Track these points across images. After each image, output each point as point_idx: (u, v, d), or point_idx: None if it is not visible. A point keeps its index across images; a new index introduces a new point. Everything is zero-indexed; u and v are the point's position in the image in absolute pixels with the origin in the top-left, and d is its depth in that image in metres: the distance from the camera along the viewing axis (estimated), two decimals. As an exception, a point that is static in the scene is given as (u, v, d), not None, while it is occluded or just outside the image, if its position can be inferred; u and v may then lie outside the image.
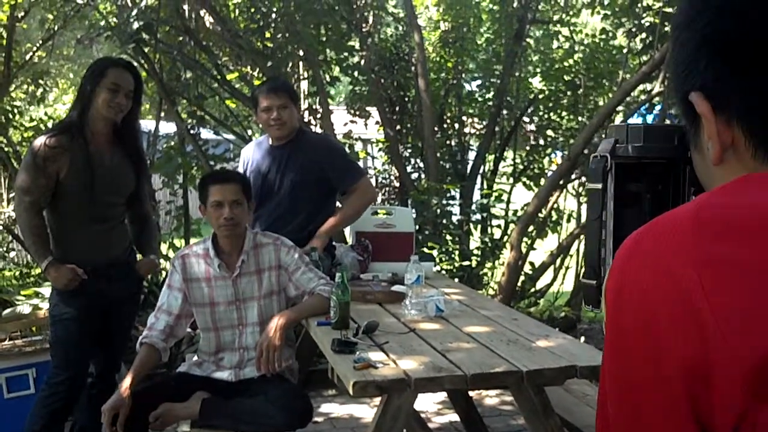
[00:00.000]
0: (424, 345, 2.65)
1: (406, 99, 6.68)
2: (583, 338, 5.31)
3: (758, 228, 0.54)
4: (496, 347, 2.60)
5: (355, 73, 6.48)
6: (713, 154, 0.66)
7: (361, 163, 6.82)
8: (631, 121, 6.15)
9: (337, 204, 4.02)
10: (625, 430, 0.56)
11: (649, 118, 6.24)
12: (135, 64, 5.56)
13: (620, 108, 5.93)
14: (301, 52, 5.95)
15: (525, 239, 5.88)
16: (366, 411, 4.45)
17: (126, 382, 2.92)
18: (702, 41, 0.67)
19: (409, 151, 6.68)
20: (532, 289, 6.13)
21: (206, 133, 6.26)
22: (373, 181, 6.89)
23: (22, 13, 6.73)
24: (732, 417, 0.49)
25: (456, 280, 4.72)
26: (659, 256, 0.55)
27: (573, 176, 6.15)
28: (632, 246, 0.59)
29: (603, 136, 6.12)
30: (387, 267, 3.88)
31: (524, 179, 6.84)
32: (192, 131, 5.80)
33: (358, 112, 6.77)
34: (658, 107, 5.84)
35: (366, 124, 6.72)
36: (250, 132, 6.33)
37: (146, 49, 5.37)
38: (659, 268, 0.55)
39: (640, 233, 0.59)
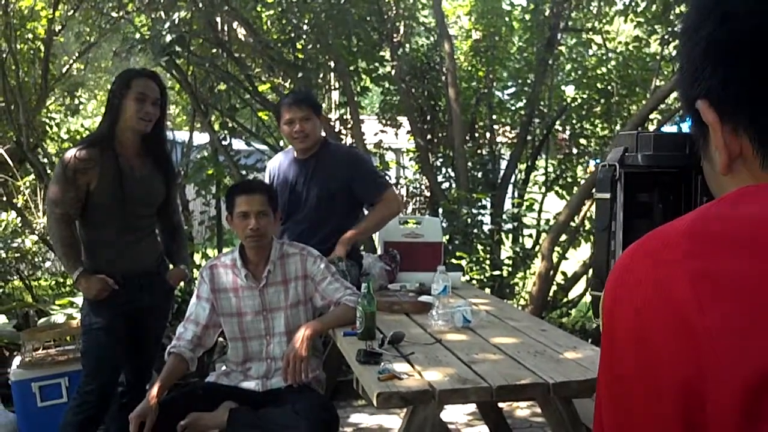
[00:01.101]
0: (449, 356, 2.63)
1: (437, 108, 6.67)
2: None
3: (752, 241, 0.52)
4: (522, 359, 2.57)
5: (386, 83, 6.50)
6: (721, 164, 0.65)
7: (392, 173, 6.83)
8: (665, 129, 6.07)
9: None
10: None
11: (684, 126, 6.14)
12: (167, 75, 5.69)
13: (653, 116, 5.85)
14: (331, 63, 5.98)
15: (557, 249, 5.82)
16: (395, 422, 4.43)
17: (153, 391, 2.94)
18: (707, 48, 0.66)
19: (440, 160, 6.67)
20: (564, 300, 6.06)
21: (238, 144, 6.31)
22: (404, 191, 6.91)
23: (59, 27, 6.85)
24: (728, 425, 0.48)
25: (487, 290, 4.69)
26: (653, 272, 0.54)
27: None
28: (627, 261, 0.57)
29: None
30: (415, 277, 3.87)
31: (557, 188, 6.78)
32: (224, 142, 5.85)
33: (389, 122, 6.79)
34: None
35: (397, 134, 6.73)
36: (282, 143, 6.38)
37: (179, 62, 5.44)
38: (653, 284, 0.54)
39: (635, 247, 0.58)
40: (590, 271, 6.24)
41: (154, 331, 3.53)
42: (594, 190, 0.76)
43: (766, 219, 0.53)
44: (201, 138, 6.53)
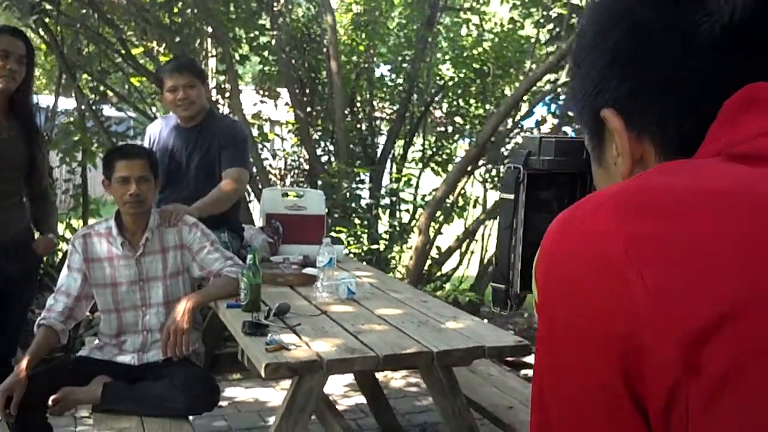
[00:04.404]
0: (336, 327, 2.64)
1: (317, 81, 6.63)
2: (486, 321, 5.42)
3: (676, 205, 0.55)
4: (407, 329, 2.62)
5: (266, 53, 6.39)
6: (624, 169, 0.68)
7: (271, 145, 6.74)
8: (537, 109, 6.31)
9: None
10: (562, 410, 0.57)
11: (553, 107, 6.41)
12: (34, 35, 5.35)
13: (526, 97, 6.05)
14: (209, 29, 5.81)
15: (432, 224, 5.95)
16: (272, 394, 4.42)
17: (22, 364, 2.80)
18: (613, 59, 0.68)
19: (319, 133, 6.64)
20: (438, 273, 6.21)
21: (109, 111, 6.04)
22: (282, 163, 6.84)
23: None
24: (663, 392, 0.50)
25: (364, 263, 4.73)
26: (586, 235, 0.56)
27: (480, 163, 6.24)
28: (563, 224, 0.59)
29: (510, 125, 6.25)
30: (298, 249, 3.85)
31: (432, 165, 6.91)
32: (93, 107, 5.58)
33: (267, 93, 6.68)
34: (562, 97, 6.01)
35: (276, 105, 6.64)
36: (154, 109, 6.16)
37: (47, 21, 5.13)
38: (587, 246, 0.56)
39: (566, 215, 0.60)
40: (464, 245, 6.43)
41: (22, 302, 3.34)
42: (499, 191, 0.80)
43: (691, 187, 0.57)
44: (67, 103, 6.19)
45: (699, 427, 0.49)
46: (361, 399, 4.17)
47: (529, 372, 4.55)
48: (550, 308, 0.58)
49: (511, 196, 0.79)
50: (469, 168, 5.93)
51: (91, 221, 5.49)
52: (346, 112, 6.45)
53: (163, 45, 5.62)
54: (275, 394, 4.42)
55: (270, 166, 6.50)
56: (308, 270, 3.40)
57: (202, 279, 3.15)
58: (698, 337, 0.50)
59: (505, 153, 6.27)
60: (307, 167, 6.69)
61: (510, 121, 6.21)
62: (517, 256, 0.79)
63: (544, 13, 6.10)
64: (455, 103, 7.03)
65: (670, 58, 0.64)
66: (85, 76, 5.67)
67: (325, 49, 6.46)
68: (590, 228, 0.56)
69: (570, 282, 0.56)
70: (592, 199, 0.60)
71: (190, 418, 2.92)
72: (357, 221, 5.97)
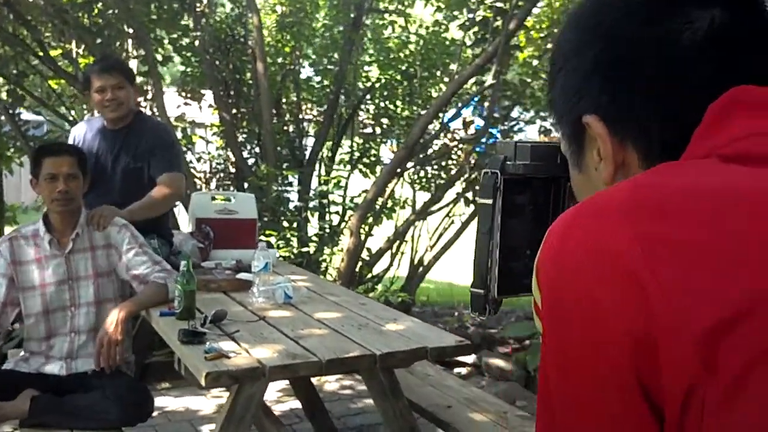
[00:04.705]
0: (275, 333, 2.61)
1: (242, 83, 6.55)
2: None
3: (684, 205, 0.56)
4: (347, 332, 2.61)
5: (189, 54, 6.27)
6: (606, 174, 0.68)
7: (196, 148, 6.62)
8: (464, 112, 6.39)
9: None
10: (571, 410, 0.57)
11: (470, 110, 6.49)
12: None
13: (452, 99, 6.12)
14: (130, 30, 5.66)
15: (363, 226, 5.95)
16: (203, 403, 4.34)
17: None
18: (595, 67, 0.69)
19: (245, 136, 6.56)
20: (369, 275, 6.22)
21: (27, 114, 5.82)
22: (207, 166, 6.72)
23: None
24: (680, 390, 0.51)
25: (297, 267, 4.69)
26: (599, 232, 0.57)
27: (409, 164, 6.27)
28: (568, 224, 0.59)
29: (439, 124, 6.30)
30: (230, 254, 3.78)
31: (360, 167, 6.91)
32: (10, 111, 5.37)
33: (189, 95, 6.56)
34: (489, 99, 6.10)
35: (201, 108, 6.52)
36: (73, 112, 5.97)
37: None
38: (600, 244, 0.56)
39: (575, 212, 0.60)
40: (394, 246, 6.44)
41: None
42: (477, 196, 0.80)
43: (696, 187, 0.58)
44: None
45: (715, 424, 0.49)
46: (295, 404, 4.13)
47: (463, 370, 4.61)
48: (559, 309, 0.58)
49: (490, 201, 0.79)
50: (398, 169, 5.95)
51: (8, 229, 5.28)
52: (273, 114, 6.39)
53: (83, 47, 5.45)
54: (206, 403, 4.34)
55: (194, 169, 6.39)
56: (242, 275, 3.34)
57: (131, 281, 3.07)
58: (715, 335, 0.50)
59: (434, 155, 6.32)
60: (233, 170, 6.60)
61: (438, 123, 6.26)
62: (494, 260, 0.79)
63: (470, 16, 6.17)
64: (382, 104, 7.04)
65: (652, 66, 0.65)
66: (0, 79, 5.44)
67: (249, 51, 6.38)
68: (599, 229, 0.57)
69: (580, 282, 0.56)
70: (596, 201, 0.60)
71: (124, 429, 2.83)
72: (286, 224, 5.92)
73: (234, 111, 6.46)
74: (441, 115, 6.11)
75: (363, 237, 5.94)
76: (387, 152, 7.12)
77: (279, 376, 2.33)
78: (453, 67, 6.81)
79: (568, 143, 0.74)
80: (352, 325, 2.70)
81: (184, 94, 6.57)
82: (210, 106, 6.52)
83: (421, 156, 6.25)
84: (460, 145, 6.26)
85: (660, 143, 0.66)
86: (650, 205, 0.57)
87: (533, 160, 0.81)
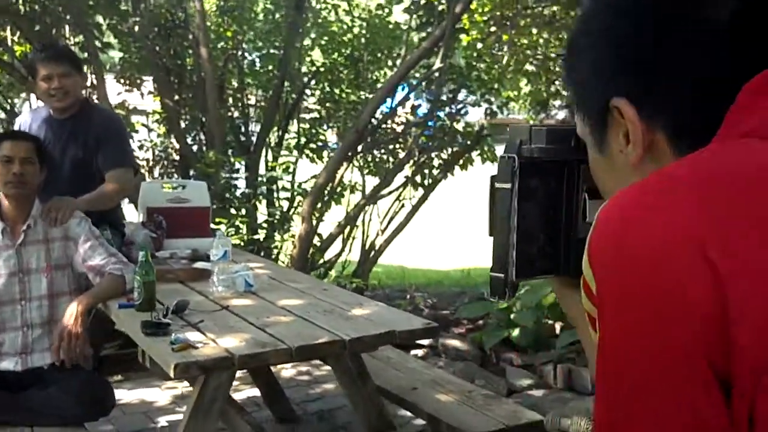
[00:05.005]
0: (240, 321, 2.58)
1: (184, 68, 6.42)
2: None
3: (750, 185, 0.57)
4: (314, 318, 2.59)
5: (129, 40, 6.11)
6: (635, 157, 0.69)
7: (138, 136, 6.47)
8: (411, 96, 6.40)
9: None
10: (639, 392, 0.56)
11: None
12: None
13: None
14: (68, 16, 5.49)
15: (314, 212, 5.92)
16: (158, 395, 4.28)
17: None
18: (625, 51, 0.69)
19: (187, 122, 6.44)
20: (321, 261, 6.20)
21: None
22: (149, 154, 6.57)
23: None
24: (753, 373, 0.52)
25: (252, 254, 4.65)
26: (667, 213, 0.57)
27: (359, 149, 6.25)
28: (632, 206, 0.59)
29: (387, 108, 6.29)
30: (184, 243, 3.72)
31: (307, 152, 6.86)
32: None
33: (128, 82, 6.41)
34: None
35: (142, 95, 6.38)
36: (8, 105, 5.78)
37: None
38: (670, 225, 0.56)
39: (636, 193, 0.60)
40: (346, 231, 6.43)
41: None
42: (495, 180, 0.80)
43: (758, 166, 0.58)
44: None
45: None
46: (252, 392, 4.10)
47: (419, 352, 4.64)
48: (627, 292, 0.57)
49: (508, 186, 0.79)
50: (349, 153, 5.93)
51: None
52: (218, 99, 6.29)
53: (18, 34, 5.27)
54: (161, 394, 4.28)
55: (137, 158, 6.24)
56: (200, 264, 3.29)
57: (88, 273, 2.99)
58: None
59: (382, 138, 6.32)
60: (177, 158, 6.48)
61: (386, 107, 6.26)
62: (512, 244, 0.80)
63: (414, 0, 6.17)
64: (327, 89, 7.00)
65: (682, 48, 0.66)
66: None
67: (191, 36, 6.26)
68: (667, 209, 0.57)
69: (651, 264, 0.55)
70: (657, 182, 0.60)
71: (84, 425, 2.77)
72: (234, 211, 5.85)
73: (176, 97, 6.34)
74: (389, 99, 6.11)
75: (315, 223, 5.91)
76: (333, 137, 7.09)
77: (248, 364, 2.30)
78: (398, 51, 6.81)
79: (591, 127, 0.74)
80: (318, 312, 2.69)
81: (123, 81, 6.42)
82: (150, 92, 6.38)
83: (369, 140, 6.24)
84: (409, 129, 6.27)
85: (690, 126, 0.66)
86: (714, 184, 0.57)
87: (549, 144, 0.81)
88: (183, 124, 6.38)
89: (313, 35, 7.28)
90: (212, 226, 5.10)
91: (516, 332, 4.39)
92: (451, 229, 10.37)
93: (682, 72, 0.66)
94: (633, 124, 0.68)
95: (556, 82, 6.69)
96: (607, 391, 0.59)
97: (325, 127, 7.02)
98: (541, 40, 7.19)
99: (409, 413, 3.17)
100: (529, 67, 7.25)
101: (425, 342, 4.74)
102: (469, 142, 6.41)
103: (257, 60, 7.05)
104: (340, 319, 2.59)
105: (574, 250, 0.84)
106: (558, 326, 4.55)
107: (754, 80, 0.63)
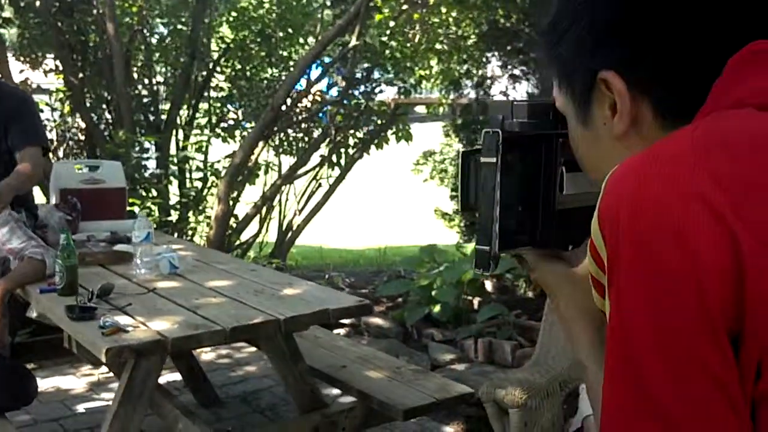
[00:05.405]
0: (169, 304, 2.52)
1: (88, 45, 6.17)
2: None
3: (759, 150, 0.60)
4: (245, 299, 2.56)
5: (30, 15, 5.83)
6: (621, 128, 0.70)
7: (44, 115, 6.19)
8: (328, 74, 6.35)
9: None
10: (655, 352, 0.58)
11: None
12: None
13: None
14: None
15: (230, 192, 5.83)
16: (74, 382, 4.15)
17: None
18: (611, 23, 0.70)
19: (92, 101, 6.20)
20: (238, 242, 6.11)
21: None
22: (53, 134, 6.30)
23: None
24: (764, 329, 0.54)
25: (175, 235, 4.55)
26: (681, 178, 0.58)
27: (275, 128, 6.18)
28: (644, 172, 0.60)
29: (303, 86, 6.24)
30: (100, 226, 3.60)
31: (219, 131, 6.73)
32: None
33: (29, 59, 6.12)
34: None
35: (46, 73, 6.10)
36: None
37: None
38: (684, 189, 0.58)
39: (647, 161, 0.61)
40: (263, 211, 6.36)
41: None
42: (480, 156, 0.81)
43: (760, 133, 0.61)
44: None
45: None
46: (173, 376, 4.03)
47: (342, 331, 4.65)
48: (647, 256, 0.58)
49: (494, 160, 0.80)
50: (265, 132, 5.86)
51: None
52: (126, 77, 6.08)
53: None
54: (77, 382, 4.16)
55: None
56: (120, 246, 3.20)
57: (6, 256, 2.87)
58: None
59: (300, 117, 6.27)
60: (82, 138, 6.25)
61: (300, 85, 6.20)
62: (495, 218, 0.81)
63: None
64: (239, 66, 6.87)
65: (669, 20, 0.67)
66: None
67: (95, 11, 6.02)
68: (684, 171, 0.58)
69: (669, 228, 0.57)
70: (673, 144, 0.62)
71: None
72: (144, 193, 5.70)
73: (80, 75, 6.09)
74: (305, 77, 6.06)
75: (231, 203, 5.82)
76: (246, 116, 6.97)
77: (183, 347, 2.26)
78: (309, 28, 6.75)
79: (575, 100, 0.75)
80: (248, 292, 2.66)
81: (23, 59, 6.13)
82: (52, 70, 6.12)
83: (283, 119, 6.18)
84: (325, 107, 6.24)
85: (676, 97, 0.68)
86: (720, 149, 0.59)
87: (530, 118, 0.83)
88: (88, 103, 6.14)
89: (222, 10, 7.13)
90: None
91: (437, 308, 4.45)
92: (365, 208, 10.40)
93: (669, 44, 0.68)
94: (621, 96, 0.69)
95: (468, 62, 6.77)
96: (622, 347, 0.60)
97: (237, 105, 6.91)
98: (450, 19, 7.26)
99: (338, 391, 3.18)
100: (439, 45, 7.31)
101: (347, 321, 4.76)
102: (384, 121, 6.44)
103: (165, 37, 6.85)
104: (272, 299, 2.57)
105: (552, 221, 0.86)
106: (476, 301, 4.65)
107: (740, 53, 0.66)
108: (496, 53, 6.13)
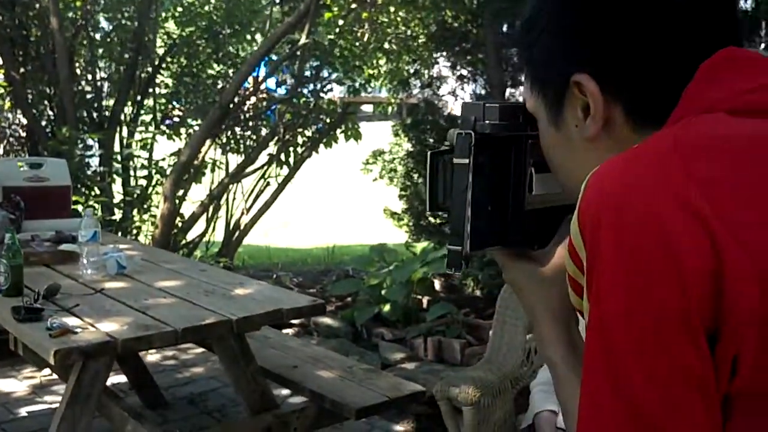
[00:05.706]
0: (118, 305, 2.48)
1: (29, 40, 6.01)
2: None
3: (736, 153, 0.61)
4: (196, 299, 2.54)
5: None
6: (593, 131, 0.71)
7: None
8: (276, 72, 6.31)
9: None
10: (634, 353, 0.58)
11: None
12: None
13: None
14: None
15: (176, 190, 5.74)
16: (15, 385, 4.04)
17: None
18: (584, 27, 0.71)
19: (34, 97, 6.04)
20: (184, 241, 6.03)
21: None
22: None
23: None
24: (741, 327, 0.56)
25: (120, 235, 4.46)
26: (663, 180, 0.59)
27: (223, 126, 6.10)
28: (626, 172, 0.61)
29: (251, 84, 6.18)
30: (44, 225, 3.51)
31: (164, 128, 6.62)
32: None
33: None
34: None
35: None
36: None
37: None
38: (666, 191, 0.59)
39: (629, 161, 0.62)
40: (210, 210, 6.28)
41: None
42: (453, 156, 0.82)
43: (740, 135, 0.63)
44: None
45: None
46: (117, 378, 3.96)
47: (290, 331, 4.62)
48: (627, 254, 0.58)
49: (466, 161, 0.81)
50: (213, 130, 5.78)
51: None
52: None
53: None
54: (19, 384, 4.05)
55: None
56: (65, 246, 3.13)
57: None
58: None
59: (248, 115, 6.20)
60: (23, 134, 6.08)
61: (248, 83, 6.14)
62: (467, 218, 0.82)
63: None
64: (185, 62, 6.77)
65: (642, 24, 0.69)
66: None
67: (37, 5, 5.87)
68: (661, 172, 0.59)
69: (652, 225, 0.58)
70: (650, 146, 0.63)
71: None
72: (86, 191, 5.57)
73: (22, 70, 5.93)
74: (253, 75, 6.00)
75: (177, 202, 5.73)
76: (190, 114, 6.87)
77: (133, 348, 2.22)
78: (257, 25, 6.69)
79: (548, 102, 0.76)
80: (199, 292, 2.63)
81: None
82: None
83: (231, 117, 6.11)
84: (273, 106, 6.19)
85: (648, 102, 0.70)
86: (699, 153, 0.61)
87: (501, 120, 0.83)
88: (30, 99, 5.98)
89: (167, 6, 7.01)
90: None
91: (387, 307, 4.46)
92: (314, 207, 10.36)
93: (641, 48, 0.69)
94: (594, 98, 0.70)
95: (417, 62, 6.79)
96: (602, 346, 0.60)
97: (183, 102, 6.81)
98: (399, 19, 7.27)
99: (288, 391, 3.17)
100: (388, 45, 7.32)
101: (296, 321, 4.73)
102: (333, 120, 6.42)
103: (109, 32, 6.70)
104: (223, 299, 2.55)
105: (521, 222, 0.87)
106: (426, 300, 4.67)
107: (712, 59, 0.67)
108: (444, 54, 6.16)
